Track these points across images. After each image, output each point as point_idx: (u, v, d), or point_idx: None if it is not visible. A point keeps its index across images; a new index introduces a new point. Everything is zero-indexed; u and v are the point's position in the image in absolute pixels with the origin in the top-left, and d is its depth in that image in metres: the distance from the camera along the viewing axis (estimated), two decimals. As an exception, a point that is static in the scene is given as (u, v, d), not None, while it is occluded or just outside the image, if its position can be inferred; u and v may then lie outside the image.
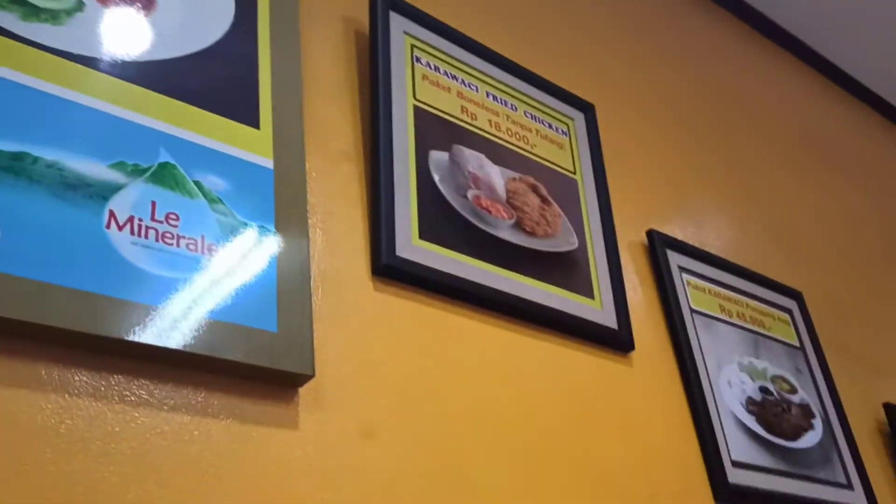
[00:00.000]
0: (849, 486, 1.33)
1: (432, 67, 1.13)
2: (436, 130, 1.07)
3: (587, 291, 1.13)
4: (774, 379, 1.36)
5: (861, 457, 1.38)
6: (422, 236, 0.96)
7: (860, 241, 1.96)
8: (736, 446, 1.19)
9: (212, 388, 0.71)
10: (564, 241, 1.15)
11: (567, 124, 1.29)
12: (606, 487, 0.99)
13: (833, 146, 2.15)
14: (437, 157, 1.05)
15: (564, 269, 1.12)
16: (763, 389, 1.32)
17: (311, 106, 0.97)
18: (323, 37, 1.06)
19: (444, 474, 0.83)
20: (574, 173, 1.25)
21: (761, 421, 1.27)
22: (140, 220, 0.71)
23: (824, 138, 2.14)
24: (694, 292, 1.33)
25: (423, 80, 1.10)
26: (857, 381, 1.56)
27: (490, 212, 1.06)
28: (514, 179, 1.14)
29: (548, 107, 1.28)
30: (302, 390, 0.76)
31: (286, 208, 0.83)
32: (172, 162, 0.77)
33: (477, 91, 1.17)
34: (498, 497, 0.86)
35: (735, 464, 1.17)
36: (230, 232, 0.77)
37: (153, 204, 0.73)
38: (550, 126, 1.26)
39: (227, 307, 0.72)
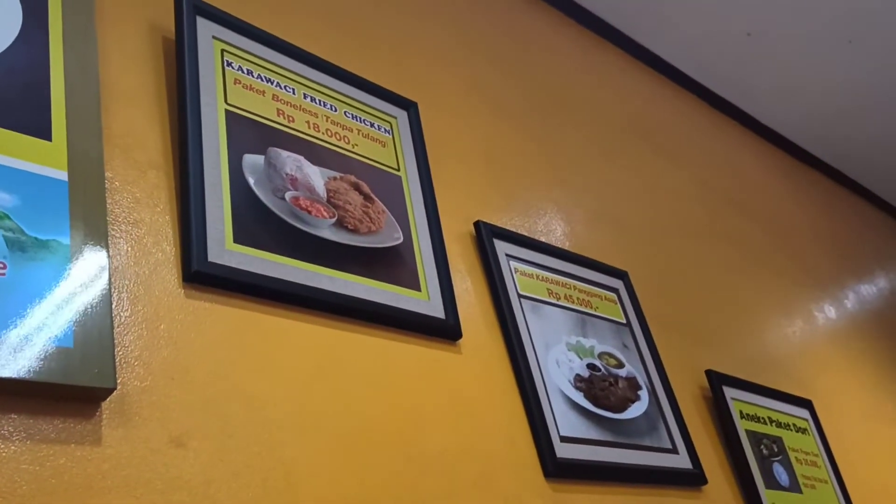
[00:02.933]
0: (674, 450, 1.43)
1: (245, 71, 1.13)
2: (250, 134, 1.07)
3: (413, 284, 1.16)
4: (601, 355, 1.44)
5: (685, 422, 1.49)
6: (236, 240, 0.96)
7: (684, 220, 2.09)
8: (564, 422, 1.26)
9: (5, 411, 0.69)
10: (388, 237, 1.18)
11: (390, 122, 1.32)
12: (437, 471, 1.02)
13: (658, 132, 2.28)
14: (252, 160, 1.05)
15: (389, 264, 1.15)
16: (590, 366, 1.39)
17: (115, 115, 0.95)
18: (127, 45, 1.04)
19: (262, 476, 0.83)
20: (398, 170, 1.27)
21: (589, 396, 1.34)
22: (-89, 241, 0.68)
23: (649, 124, 2.27)
24: (521, 279, 1.39)
25: (236, 85, 1.10)
26: (681, 352, 1.68)
27: (310, 212, 1.07)
28: (335, 179, 1.15)
29: (369, 106, 1.30)
30: (105, 404, 0.75)
31: (83, 220, 0.81)
32: (-51, 179, 0.73)
33: (294, 93, 1.18)
34: (323, 493, 0.88)
35: (563, 438, 1.23)
36: (18, 248, 0.75)
37: (-74, 224, 0.70)
38: (372, 125, 1.28)
39: (16, 326, 0.70)
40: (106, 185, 0.87)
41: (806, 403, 1.85)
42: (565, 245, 1.58)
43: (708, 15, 2.41)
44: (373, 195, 1.19)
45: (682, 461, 1.42)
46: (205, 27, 1.10)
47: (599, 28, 2.33)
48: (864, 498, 1.82)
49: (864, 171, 3.32)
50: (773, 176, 2.83)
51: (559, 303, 1.44)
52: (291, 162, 1.10)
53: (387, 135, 1.30)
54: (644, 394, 1.46)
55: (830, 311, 2.49)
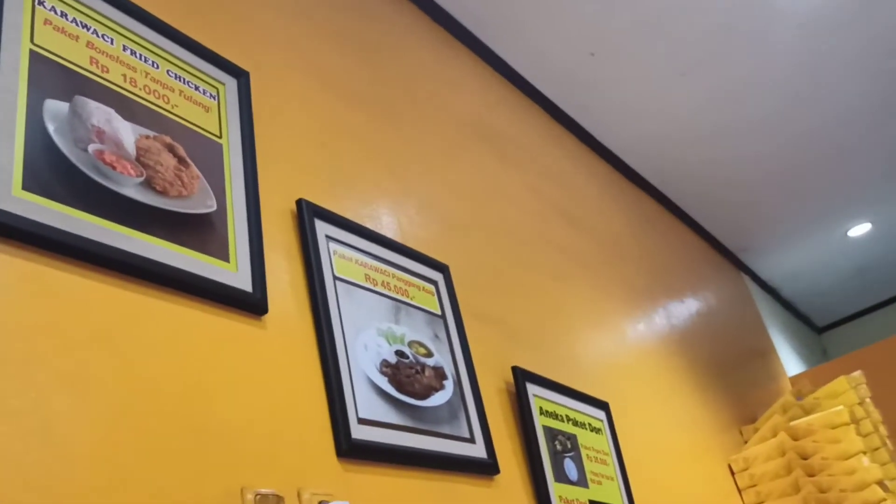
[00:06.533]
0: (471, 439, 1.48)
1: (58, 13, 1.07)
2: (56, 79, 1.02)
3: (222, 254, 1.14)
4: (411, 343, 1.47)
5: (486, 414, 1.54)
6: (25, 187, 0.91)
7: (513, 223, 2.17)
8: (365, 405, 1.27)
9: None
10: (200, 204, 1.15)
11: (217, 88, 1.29)
12: (221, 444, 1.01)
13: (498, 136, 2.35)
14: (55, 106, 1.00)
15: (198, 231, 1.12)
16: (399, 353, 1.42)
17: None
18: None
19: (22, 435, 0.79)
20: (220, 137, 1.25)
21: (393, 382, 1.36)
22: None
23: (491, 128, 2.33)
24: (339, 261, 1.39)
25: (46, 25, 1.04)
26: (492, 348, 1.74)
27: (114, 167, 1.03)
28: (148, 137, 1.11)
29: (196, 69, 1.26)
30: None
31: None
32: None
33: (112, 43, 1.13)
34: (90, 457, 0.85)
35: (362, 420, 1.25)
36: None
37: None
38: (197, 88, 1.25)
39: None
40: None
41: (603, 405, 1.97)
42: (390, 234, 1.60)
43: (558, 29, 2.51)
44: (188, 159, 1.16)
45: (477, 450, 1.47)
46: (17, -41, 1.03)
47: (453, 28, 2.38)
48: (645, 495, 1.96)
49: (685, 196, 3.57)
50: (603, 191, 2.99)
51: (375, 288, 1.45)
52: (100, 114, 1.05)
53: (212, 100, 1.27)
54: (449, 384, 1.50)
55: (640, 325, 2.66)
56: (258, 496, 1.01)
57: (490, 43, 2.48)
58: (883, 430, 2.77)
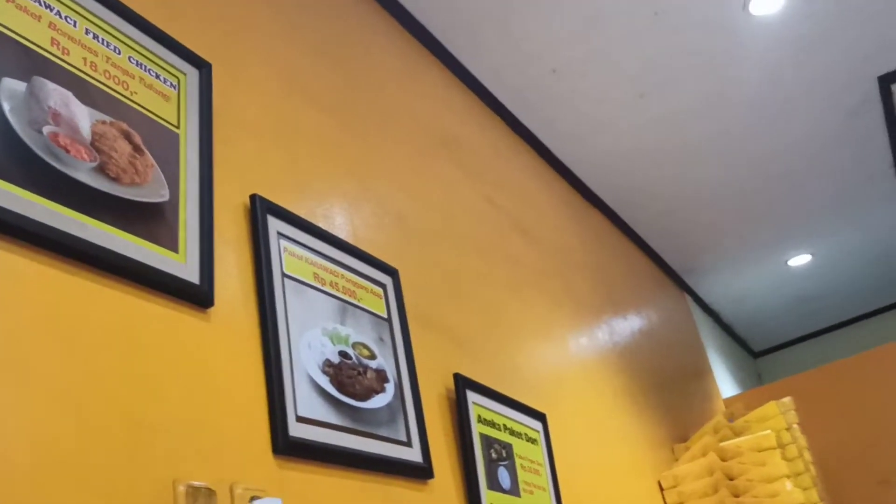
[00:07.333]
0: (408, 443, 1.50)
1: (21, -10, 1.06)
2: (14, 57, 1.01)
3: (171, 245, 1.14)
4: (355, 345, 1.48)
5: (424, 419, 1.56)
6: (-25, 165, 0.90)
7: (468, 232, 2.20)
8: (305, 403, 1.28)
9: None
10: (153, 193, 1.15)
11: (178, 78, 1.29)
12: (158, 436, 1.01)
13: (459, 145, 2.38)
14: (12, 85, 0.99)
15: (149, 220, 1.12)
16: (342, 353, 1.43)
17: None
18: None
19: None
20: (177, 128, 1.24)
21: (335, 382, 1.38)
22: None
23: (452, 137, 2.36)
24: (289, 258, 1.40)
25: (9, 3, 1.03)
26: (437, 354, 1.76)
27: (68, 151, 1.02)
28: (104, 123, 1.11)
29: (158, 57, 1.26)
30: None
31: None
32: None
33: (75, 26, 1.12)
34: (25, 446, 0.84)
35: (300, 419, 1.26)
36: None
37: None
38: (158, 76, 1.24)
39: None
40: None
41: (541, 416, 2.01)
42: (343, 235, 1.61)
43: (522, 44, 2.55)
44: (143, 147, 1.16)
45: (413, 454, 1.49)
46: (-18, -66, 1.02)
47: (421, 35, 2.40)
48: (575, 507, 2.00)
49: (635, 214, 3.65)
50: (557, 205, 3.04)
51: (324, 288, 1.46)
52: (57, 96, 1.04)
53: (172, 89, 1.26)
54: (390, 387, 1.52)
55: (583, 339, 2.71)
56: (189, 489, 1.01)
57: (455, 52, 2.51)
58: (807, 455, 2.86)
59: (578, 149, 3.10)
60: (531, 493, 1.81)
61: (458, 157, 2.35)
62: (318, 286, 1.45)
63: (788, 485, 2.50)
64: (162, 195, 1.16)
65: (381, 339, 1.57)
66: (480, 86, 2.64)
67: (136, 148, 1.14)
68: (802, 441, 2.87)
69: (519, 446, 1.86)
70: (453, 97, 2.50)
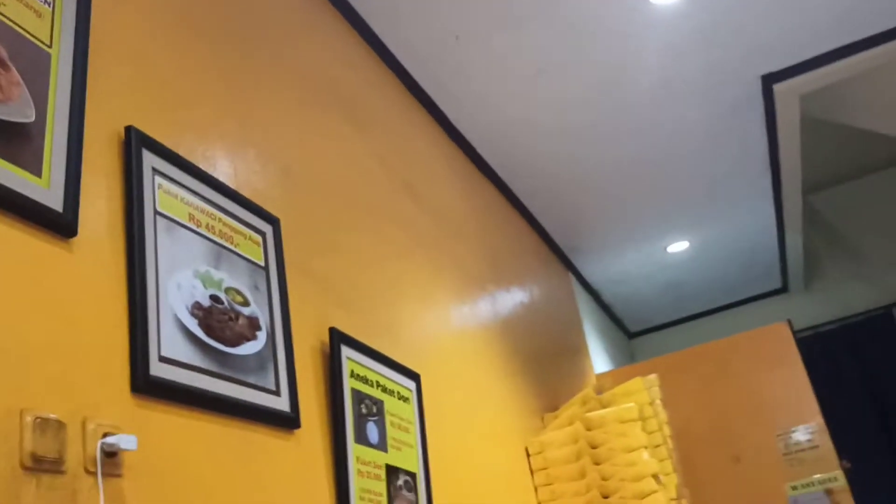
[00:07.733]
0: (276, 392, 1.49)
1: None
2: None
3: (35, 168, 1.09)
4: (228, 290, 1.46)
5: (295, 369, 1.55)
6: None
7: (356, 188, 2.18)
8: (169, 343, 1.25)
9: None
10: (18, 112, 1.09)
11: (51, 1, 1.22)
12: (15, 366, 0.97)
13: (352, 100, 2.35)
14: None
15: (11, 140, 1.06)
16: (213, 297, 1.40)
17: None
18: None
19: None
20: (50, 47, 1.18)
21: (203, 325, 1.35)
22: None
23: (346, 90, 2.33)
24: (163, 196, 1.36)
25: None
26: (314, 307, 1.75)
27: (-79, 57, 0.96)
28: (-35, 32, 1.04)
29: (33, -31, 1.19)
30: None
31: None
32: None
33: (-62, -77, 1.04)
34: None
35: (163, 359, 1.23)
36: None
37: None
38: (31, -10, 1.17)
39: None
40: None
41: (415, 377, 2.03)
42: (223, 178, 1.57)
43: (428, 6, 2.54)
44: (10, 63, 1.09)
45: (281, 403, 1.49)
46: None
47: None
48: (442, 466, 2.05)
49: (525, 188, 3.72)
50: (450, 172, 3.06)
51: (198, 230, 1.43)
52: (-87, -4, 0.97)
53: (46, 6, 1.19)
54: (262, 335, 1.50)
55: (465, 306, 2.75)
56: (38, 420, 0.98)
57: (357, 7, 2.47)
58: (667, 429, 3.02)
59: (475, 118, 3.13)
60: (399, 449, 1.84)
61: (353, 113, 2.33)
62: (193, 227, 1.41)
63: (645, 454, 2.63)
64: (27, 115, 1.10)
65: (257, 287, 1.55)
66: (378, 41, 2.61)
67: (2, 63, 1.08)
68: (663, 416, 3.02)
69: (390, 403, 1.88)
70: (352, 53, 2.47)
